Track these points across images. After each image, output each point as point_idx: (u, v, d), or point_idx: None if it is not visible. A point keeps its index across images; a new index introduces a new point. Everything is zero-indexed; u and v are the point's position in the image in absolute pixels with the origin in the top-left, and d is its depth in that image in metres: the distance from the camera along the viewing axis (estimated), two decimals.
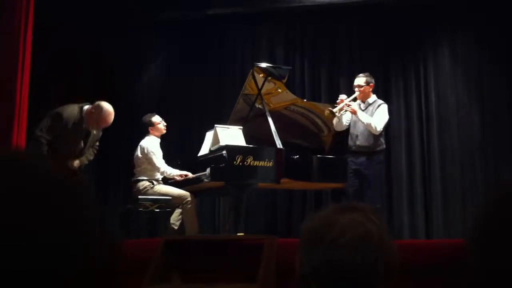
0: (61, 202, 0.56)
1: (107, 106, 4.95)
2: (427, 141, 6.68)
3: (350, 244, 1.09)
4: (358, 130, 5.39)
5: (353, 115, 5.42)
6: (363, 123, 5.32)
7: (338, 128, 5.53)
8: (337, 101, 5.44)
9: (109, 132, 6.99)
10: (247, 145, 5.06)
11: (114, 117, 7.04)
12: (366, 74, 5.54)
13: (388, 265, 1.12)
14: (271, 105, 5.63)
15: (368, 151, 5.35)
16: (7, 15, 5.38)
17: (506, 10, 6.47)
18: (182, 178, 5.39)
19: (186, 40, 7.41)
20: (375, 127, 5.30)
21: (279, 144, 5.10)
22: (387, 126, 6.79)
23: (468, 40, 6.75)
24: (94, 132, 4.98)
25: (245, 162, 4.87)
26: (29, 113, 5.35)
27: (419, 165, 6.65)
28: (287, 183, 5.28)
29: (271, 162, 4.98)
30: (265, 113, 5.34)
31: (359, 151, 5.35)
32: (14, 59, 5.33)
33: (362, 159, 5.34)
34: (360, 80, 5.47)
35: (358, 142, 5.35)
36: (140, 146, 5.52)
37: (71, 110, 4.85)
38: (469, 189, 6.37)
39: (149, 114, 5.67)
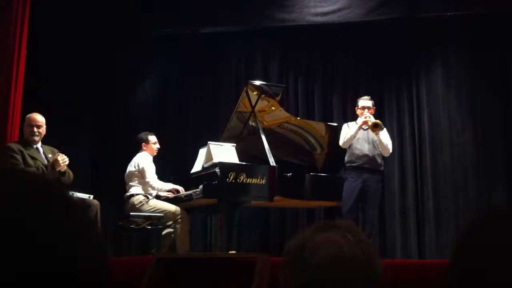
0: (59, 213, 0.59)
1: None
2: (420, 161, 6.69)
3: (322, 264, 1.06)
4: (364, 147, 5.40)
5: (362, 132, 5.44)
6: (382, 143, 5.38)
7: (347, 145, 5.48)
8: (364, 118, 5.40)
9: (103, 147, 7.05)
10: (240, 163, 5.07)
11: (108, 131, 7.07)
12: (369, 97, 5.61)
13: (368, 283, 1.08)
14: (265, 122, 5.64)
15: (373, 169, 5.39)
16: (1, 31, 5.40)
17: (499, 31, 6.55)
18: (174, 195, 5.39)
19: (182, 57, 7.44)
20: (390, 149, 5.48)
21: (272, 162, 5.10)
22: None
23: (461, 60, 6.80)
24: (49, 155, 4.98)
25: (238, 180, 4.86)
26: (21, 126, 5.34)
27: (411, 184, 6.65)
28: (280, 201, 5.27)
29: (264, 180, 4.98)
30: (258, 130, 5.35)
31: (364, 168, 5.36)
32: (8, 75, 5.35)
33: (367, 175, 5.35)
34: (369, 102, 5.55)
35: (364, 159, 5.36)
36: (133, 161, 5.55)
37: (15, 142, 5.03)
38: (461, 208, 6.37)
39: (146, 132, 5.70)
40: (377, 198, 5.47)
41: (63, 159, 4.85)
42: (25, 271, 0.53)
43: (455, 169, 6.52)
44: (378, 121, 5.44)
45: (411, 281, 3.25)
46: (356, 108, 5.64)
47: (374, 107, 5.61)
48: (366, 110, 5.49)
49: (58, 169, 4.83)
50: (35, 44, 6.02)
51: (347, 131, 5.52)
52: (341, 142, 5.51)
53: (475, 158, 6.50)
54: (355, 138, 5.45)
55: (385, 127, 6.37)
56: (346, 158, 5.51)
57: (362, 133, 5.46)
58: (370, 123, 5.38)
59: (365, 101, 5.57)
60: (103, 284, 0.58)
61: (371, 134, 5.47)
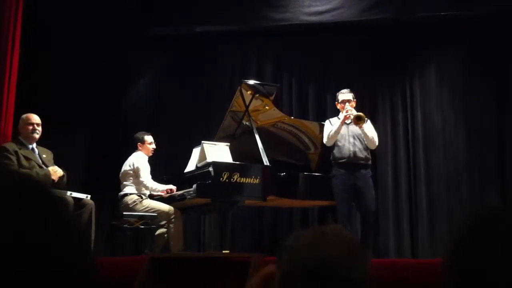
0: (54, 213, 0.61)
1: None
2: (413, 160, 6.70)
3: (304, 244, 1.07)
4: (350, 142, 5.29)
5: (346, 128, 5.32)
6: (367, 136, 5.26)
7: (331, 142, 5.33)
8: (346, 112, 5.29)
9: (99, 146, 7.02)
10: (234, 162, 5.06)
11: (104, 130, 7.06)
12: (348, 90, 5.55)
13: (352, 269, 1.06)
14: (258, 122, 5.64)
15: (361, 164, 5.27)
16: None
17: (493, 32, 6.57)
18: (168, 194, 5.38)
19: (177, 56, 7.42)
20: (376, 141, 5.34)
21: (266, 161, 5.10)
22: None
23: (454, 60, 6.81)
24: (44, 155, 4.99)
25: (232, 179, 4.86)
26: (13, 131, 5.31)
27: (405, 184, 6.66)
28: (273, 200, 5.27)
29: (257, 179, 4.98)
30: (252, 130, 5.35)
31: (352, 164, 5.25)
32: (1, 74, 5.32)
33: (356, 172, 5.22)
34: (349, 95, 5.45)
35: (351, 156, 5.24)
36: (129, 160, 5.54)
37: (10, 143, 5.01)
38: (454, 208, 6.39)
39: (143, 132, 5.71)
40: (371, 195, 5.27)
41: (55, 172, 4.86)
42: (16, 270, 0.53)
43: (448, 169, 6.54)
44: (360, 113, 5.24)
45: (404, 281, 3.26)
46: (337, 103, 5.53)
47: (355, 100, 5.47)
48: (347, 103, 5.37)
49: (53, 178, 4.83)
50: (34, 43, 5.98)
51: (330, 127, 5.38)
52: (325, 140, 5.38)
53: (468, 158, 6.52)
54: (340, 134, 5.30)
55: (378, 126, 6.38)
56: (332, 156, 5.37)
57: (346, 128, 5.33)
58: (352, 117, 5.22)
59: (345, 95, 5.45)
60: (91, 284, 0.59)
61: (355, 128, 5.33)
